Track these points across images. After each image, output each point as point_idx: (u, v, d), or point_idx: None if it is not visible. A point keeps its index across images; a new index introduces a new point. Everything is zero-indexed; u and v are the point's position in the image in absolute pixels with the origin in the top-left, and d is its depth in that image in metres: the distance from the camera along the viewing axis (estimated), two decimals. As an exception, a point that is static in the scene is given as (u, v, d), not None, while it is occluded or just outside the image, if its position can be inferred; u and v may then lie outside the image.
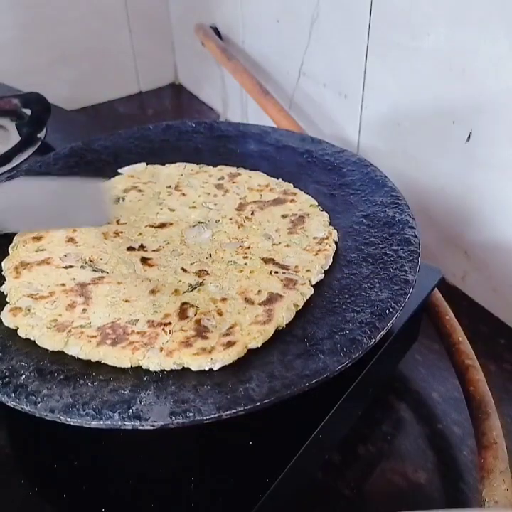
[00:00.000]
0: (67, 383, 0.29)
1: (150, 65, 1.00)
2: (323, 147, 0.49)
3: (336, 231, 0.40)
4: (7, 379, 0.29)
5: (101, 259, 0.38)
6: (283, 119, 0.64)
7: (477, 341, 0.43)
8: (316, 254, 0.38)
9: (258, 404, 0.26)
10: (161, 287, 0.35)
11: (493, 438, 0.35)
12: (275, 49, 0.73)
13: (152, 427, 0.26)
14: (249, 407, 0.26)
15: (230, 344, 0.30)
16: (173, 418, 0.26)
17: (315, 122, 0.70)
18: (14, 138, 0.60)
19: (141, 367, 0.30)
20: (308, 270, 0.36)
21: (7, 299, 0.35)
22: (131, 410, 0.26)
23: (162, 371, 0.30)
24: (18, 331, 0.33)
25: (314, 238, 0.40)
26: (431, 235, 0.56)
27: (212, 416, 0.26)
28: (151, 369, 0.30)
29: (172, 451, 0.32)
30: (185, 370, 0.30)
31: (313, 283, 0.36)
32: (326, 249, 0.38)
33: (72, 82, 0.91)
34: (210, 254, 0.38)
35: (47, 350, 0.31)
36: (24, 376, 0.29)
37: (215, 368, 0.29)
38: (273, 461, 0.30)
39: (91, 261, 0.38)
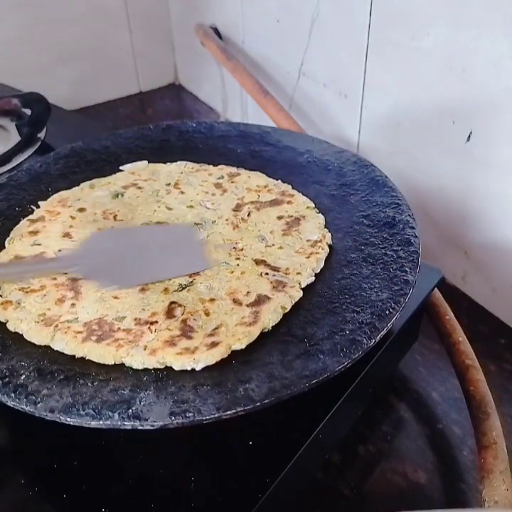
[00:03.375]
0: (67, 383, 0.29)
1: (150, 65, 1.00)
2: (323, 147, 0.49)
3: (330, 234, 0.40)
4: (7, 379, 0.29)
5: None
6: (283, 119, 0.64)
7: (477, 341, 0.43)
8: (308, 257, 0.38)
9: (258, 404, 0.26)
10: (151, 285, 0.35)
11: (493, 438, 0.35)
12: (275, 49, 0.73)
13: (152, 427, 0.26)
14: (249, 407, 0.26)
15: (213, 345, 0.30)
16: (173, 418, 0.26)
17: (315, 122, 0.70)
18: (14, 138, 0.60)
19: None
20: (298, 273, 0.36)
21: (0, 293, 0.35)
22: (130, 410, 0.26)
23: (162, 371, 0.30)
24: (7, 325, 0.33)
25: (308, 241, 0.39)
26: (431, 235, 0.56)
27: (212, 416, 0.26)
28: (134, 367, 0.30)
29: (172, 451, 0.32)
30: (185, 370, 0.30)
31: (303, 286, 0.36)
32: (318, 253, 0.38)
33: (72, 82, 0.91)
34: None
35: (47, 349, 0.31)
36: (24, 376, 0.29)
37: (197, 368, 0.29)
38: (273, 461, 0.30)
39: None
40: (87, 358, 0.31)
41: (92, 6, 0.89)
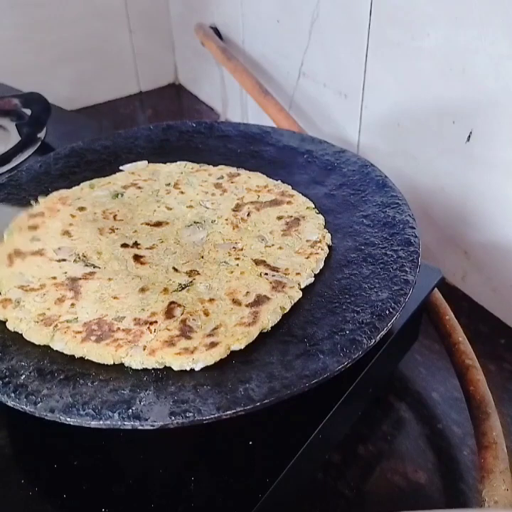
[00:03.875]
0: (67, 383, 0.29)
1: (150, 65, 1.00)
2: (323, 147, 0.49)
3: (329, 235, 0.40)
4: (7, 379, 0.29)
5: (94, 254, 0.38)
6: (283, 119, 0.64)
7: (477, 341, 0.43)
8: (308, 257, 0.38)
9: (258, 404, 0.26)
10: (151, 286, 0.35)
11: (493, 438, 0.35)
12: (275, 49, 0.73)
13: (152, 427, 0.26)
14: (248, 407, 0.26)
15: (212, 345, 0.30)
16: (173, 418, 0.26)
17: (315, 122, 0.70)
18: (14, 138, 0.60)
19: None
20: (298, 273, 0.36)
21: None
22: (130, 410, 0.26)
23: (162, 371, 0.30)
24: (7, 324, 0.33)
25: (307, 241, 0.39)
26: (431, 235, 0.56)
27: (212, 416, 0.26)
28: (133, 367, 0.30)
29: (172, 451, 0.32)
30: (185, 370, 0.30)
31: (303, 286, 0.36)
32: (317, 253, 0.38)
33: (72, 82, 0.91)
34: (203, 255, 0.38)
35: (47, 349, 0.31)
36: (24, 376, 0.29)
37: (196, 369, 0.29)
38: (273, 461, 0.30)
39: (84, 256, 0.38)
40: (86, 358, 0.31)
41: (92, 6, 0.89)
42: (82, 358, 0.31)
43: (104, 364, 0.30)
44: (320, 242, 0.39)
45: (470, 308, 0.54)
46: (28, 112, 0.62)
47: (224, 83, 0.86)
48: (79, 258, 0.38)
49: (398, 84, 0.55)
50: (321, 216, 0.42)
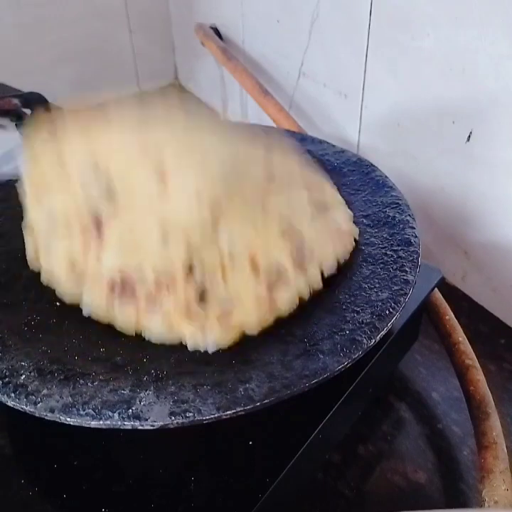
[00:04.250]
0: (67, 383, 0.29)
1: (150, 65, 1.00)
2: (323, 147, 0.49)
3: (357, 229, 0.39)
4: (7, 379, 0.29)
5: (118, 174, 0.34)
6: (283, 119, 0.64)
7: (477, 341, 0.43)
8: (335, 245, 0.36)
9: (258, 404, 0.26)
10: (173, 232, 0.32)
11: (493, 438, 0.35)
12: (275, 49, 0.73)
13: (152, 427, 0.26)
14: (249, 407, 0.26)
15: (227, 324, 0.31)
16: (173, 418, 0.26)
17: (315, 122, 0.70)
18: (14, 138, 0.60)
19: (140, 365, 0.30)
20: (321, 257, 0.35)
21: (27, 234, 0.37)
22: (130, 410, 0.26)
23: (162, 370, 0.30)
24: (41, 277, 0.35)
25: (337, 229, 0.38)
26: (431, 235, 0.56)
27: (212, 416, 0.26)
28: (152, 341, 0.31)
29: (172, 451, 0.32)
30: (185, 370, 0.30)
31: (326, 275, 0.35)
32: (345, 243, 0.37)
33: (72, 82, 0.91)
34: (229, 195, 0.33)
35: (47, 349, 0.31)
36: (24, 376, 0.29)
37: (210, 350, 0.31)
38: (273, 461, 0.30)
39: (108, 178, 0.34)
40: (109, 323, 0.32)
41: (92, 6, 0.89)
42: (82, 357, 0.31)
43: (103, 364, 0.30)
44: (348, 233, 0.38)
45: (470, 308, 0.54)
46: (28, 112, 0.62)
47: (224, 83, 0.86)
48: (104, 184, 0.34)
49: (398, 84, 0.55)
50: (349, 211, 0.41)
